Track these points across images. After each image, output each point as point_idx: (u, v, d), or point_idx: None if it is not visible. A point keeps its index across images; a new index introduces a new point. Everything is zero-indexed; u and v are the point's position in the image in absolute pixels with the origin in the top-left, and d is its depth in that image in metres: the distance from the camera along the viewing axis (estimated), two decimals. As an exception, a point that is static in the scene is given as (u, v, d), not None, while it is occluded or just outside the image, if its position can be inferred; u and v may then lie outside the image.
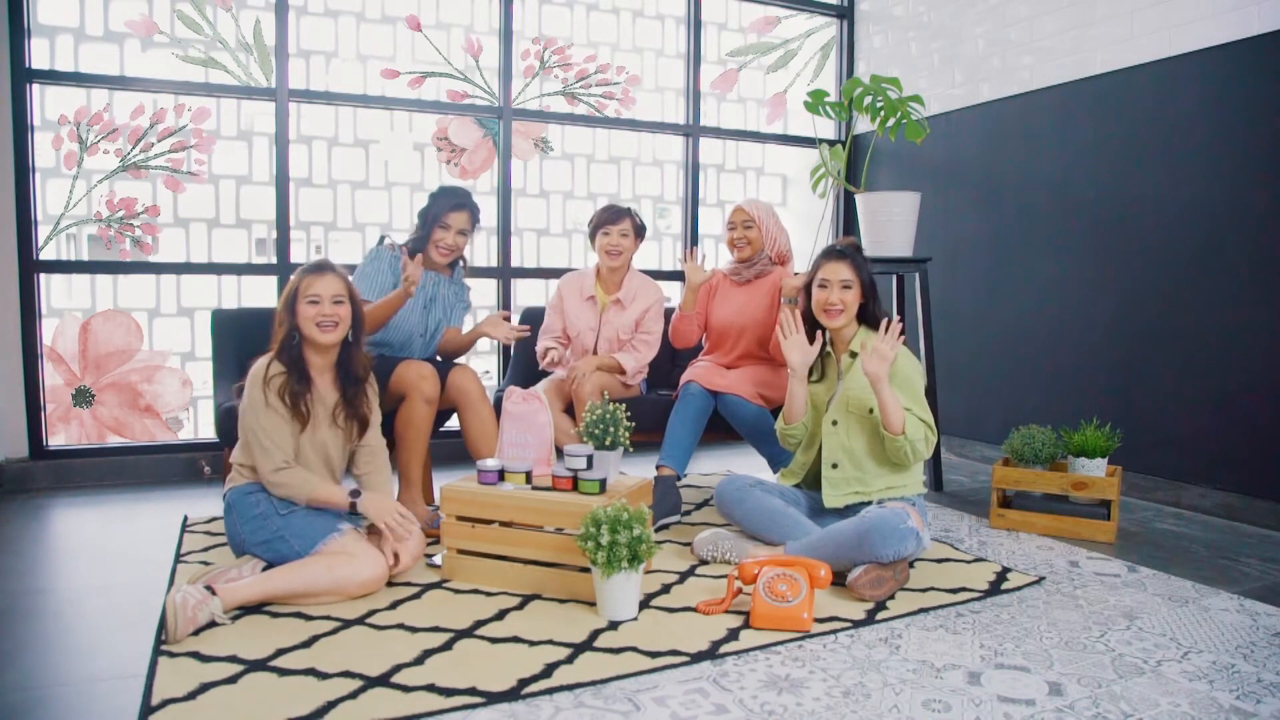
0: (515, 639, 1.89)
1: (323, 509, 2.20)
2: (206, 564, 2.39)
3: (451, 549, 2.27)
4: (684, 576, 2.31)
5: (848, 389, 2.41)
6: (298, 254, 3.69)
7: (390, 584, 2.20)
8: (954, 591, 2.21)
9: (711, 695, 1.64)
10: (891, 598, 2.16)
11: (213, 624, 1.92)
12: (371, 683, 1.66)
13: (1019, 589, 2.25)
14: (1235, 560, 2.55)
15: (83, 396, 3.47)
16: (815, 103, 3.54)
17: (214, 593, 1.94)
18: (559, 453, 2.41)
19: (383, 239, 2.86)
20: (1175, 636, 1.95)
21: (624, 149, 4.37)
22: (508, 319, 2.92)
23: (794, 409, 2.50)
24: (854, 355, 2.44)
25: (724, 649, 1.84)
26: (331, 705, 1.57)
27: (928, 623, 2.02)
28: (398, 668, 1.73)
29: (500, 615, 2.03)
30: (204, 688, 1.64)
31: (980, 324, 4.00)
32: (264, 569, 2.14)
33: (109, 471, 3.42)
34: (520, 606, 2.09)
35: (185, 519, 2.85)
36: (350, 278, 2.31)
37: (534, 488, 2.24)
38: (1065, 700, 1.63)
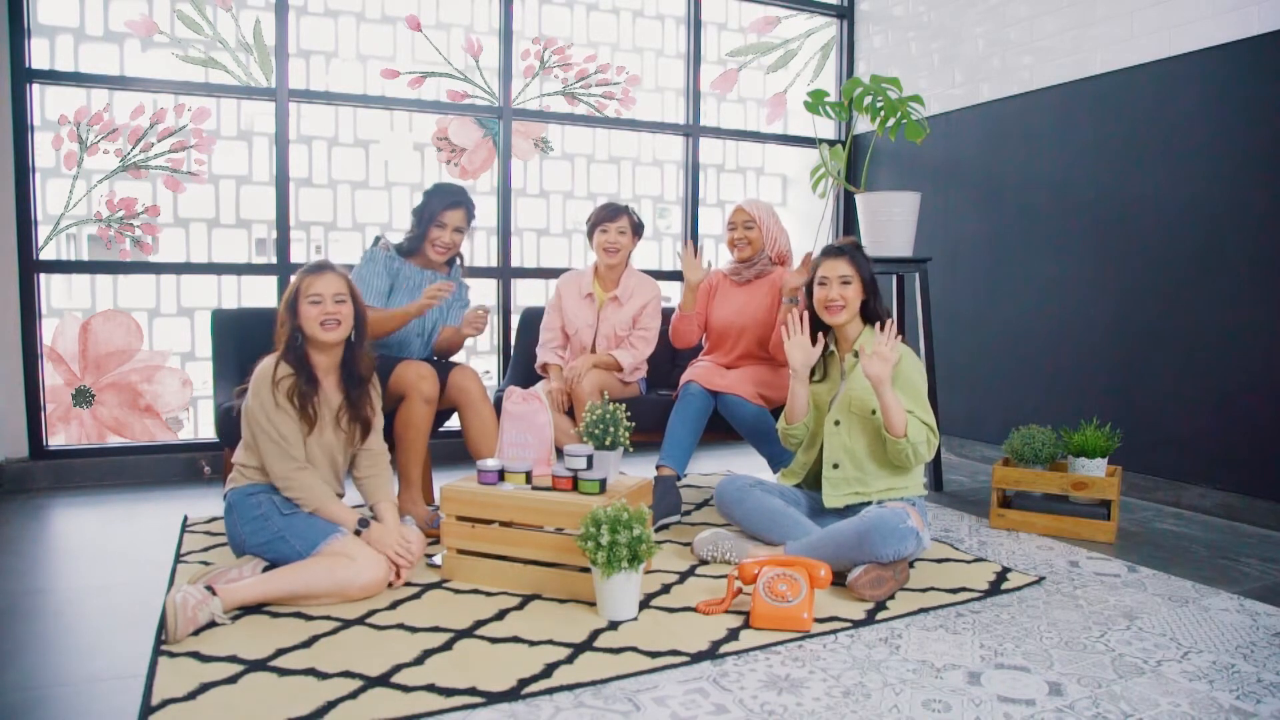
0: (515, 639, 1.89)
1: (325, 510, 2.20)
2: (206, 564, 2.39)
3: (451, 549, 2.27)
4: (684, 576, 2.31)
5: (851, 389, 2.41)
6: (298, 254, 3.69)
7: (390, 585, 2.20)
8: (954, 591, 2.21)
9: (711, 695, 1.64)
10: (891, 598, 2.16)
11: (213, 624, 1.92)
12: (371, 683, 1.66)
13: (1019, 589, 2.25)
14: (1235, 560, 2.55)
15: (83, 396, 3.47)
16: (815, 103, 3.54)
17: (214, 593, 1.94)
18: (559, 453, 2.41)
19: (378, 240, 2.85)
20: (1175, 636, 1.95)
21: (624, 149, 4.37)
22: (482, 314, 2.74)
23: (796, 409, 2.50)
24: (858, 355, 2.44)
25: (724, 649, 1.84)
26: (331, 705, 1.57)
27: (928, 623, 2.02)
28: (398, 668, 1.73)
29: (500, 615, 2.03)
30: (204, 688, 1.64)
31: (980, 324, 4.00)
32: (264, 569, 2.14)
33: (109, 471, 3.42)
34: (520, 606, 2.09)
35: (185, 519, 2.85)
36: (350, 277, 2.31)
37: (534, 488, 2.24)
38: (1065, 700, 1.63)
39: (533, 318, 3.49)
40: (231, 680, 1.67)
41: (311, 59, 3.71)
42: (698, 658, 1.79)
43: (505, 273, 4.05)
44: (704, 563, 2.43)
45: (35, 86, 3.30)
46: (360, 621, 1.97)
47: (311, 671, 1.71)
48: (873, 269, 2.48)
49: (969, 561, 2.47)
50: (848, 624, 1.99)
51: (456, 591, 2.19)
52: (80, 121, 3.38)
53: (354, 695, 1.61)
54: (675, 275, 4.46)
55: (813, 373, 2.52)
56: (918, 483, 2.44)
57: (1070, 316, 3.57)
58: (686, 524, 2.83)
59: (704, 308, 3.14)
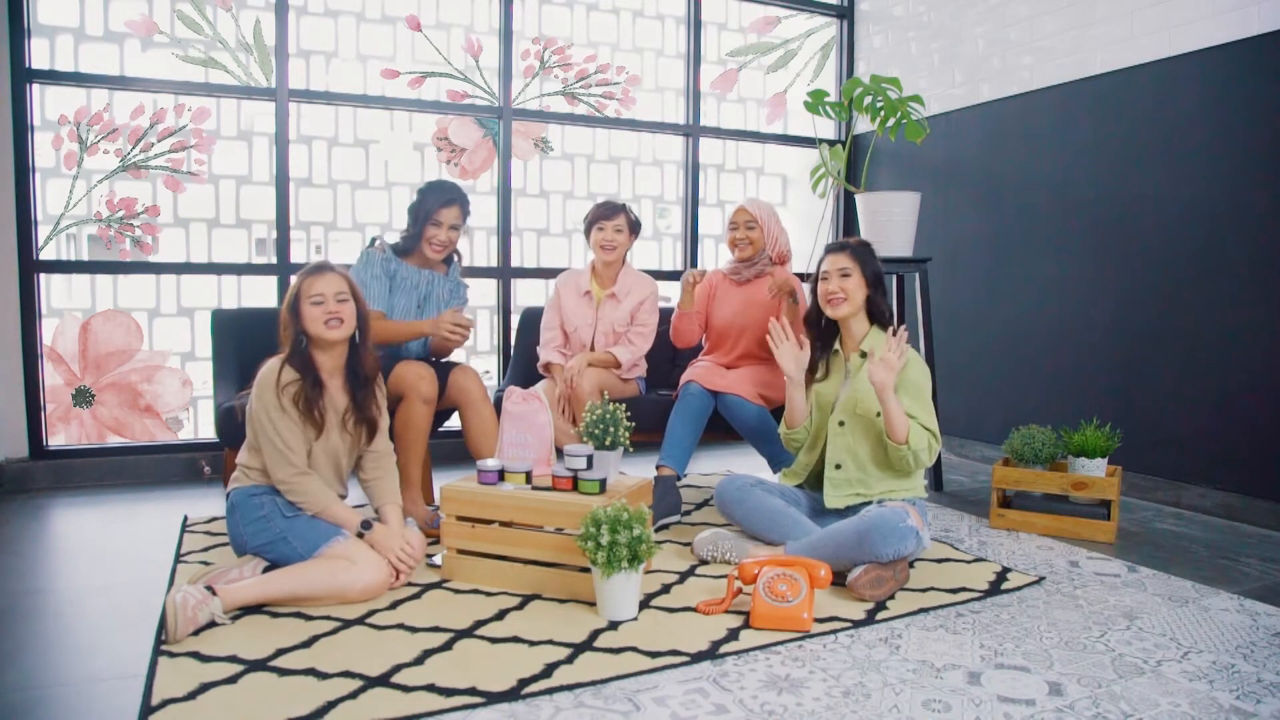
0: (515, 639, 1.89)
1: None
2: (206, 564, 2.39)
3: (451, 549, 2.27)
4: (684, 576, 2.31)
5: (856, 390, 2.40)
6: (298, 254, 3.69)
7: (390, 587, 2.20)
8: (954, 591, 2.21)
9: (711, 695, 1.64)
10: (891, 598, 2.16)
11: (213, 624, 1.92)
12: (371, 683, 1.66)
13: (1019, 589, 2.25)
14: (1235, 560, 2.55)
15: (83, 396, 3.47)
16: (815, 103, 3.54)
17: (214, 593, 1.94)
18: (559, 453, 2.41)
19: (373, 241, 2.85)
20: (1175, 636, 1.95)
21: (624, 149, 4.37)
22: (462, 325, 2.68)
23: (795, 414, 2.50)
24: (863, 355, 2.44)
25: (724, 649, 1.84)
26: (331, 705, 1.57)
27: (928, 623, 2.02)
28: (398, 668, 1.73)
29: (500, 615, 2.03)
30: (204, 688, 1.64)
31: (980, 324, 4.00)
32: (265, 569, 2.14)
33: (109, 471, 3.42)
34: (520, 606, 2.09)
35: (185, 519, 2.85)
36: (350, 276, 2.31)
37: (534, 488, 2.24)
38: (1065, 700, 1.63)
39: (533, 318, 3.49)
40: (231, 680, 1.67)
41: (311, 59, 3.71)
42: (698, 658, 1.79)
43: (505, 273, 4.05)
44: (704, 563, 2.43)
45: (35, 86, 3.30)
46: (360, 621, 1.97)
47: (311, 671, 1.71)
48: (879, 267, 2.48)
49: (969, 561, 2.47)
50: (848, 624, 1.99)
51: (456, 591, 2.19)
52: (80, 121, 3.38)
53: (354, 695, 1.61)
54: (675, 275, 4.47)
55: (815, 371, 2.52)
56: (918, 483, 2.44)
57: (1070, 316, 3.57)
58: (686, 524, 2.83)
59: (704, 307, 3.14)
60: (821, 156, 3.68)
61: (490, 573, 2.22)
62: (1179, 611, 2.10)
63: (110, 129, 3.43)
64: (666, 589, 2.21)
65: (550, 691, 1.64)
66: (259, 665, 1.73)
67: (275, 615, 1.99)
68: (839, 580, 2.16)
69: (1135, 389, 3.32)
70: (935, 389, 2.66)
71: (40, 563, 2.48)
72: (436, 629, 1.93)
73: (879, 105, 3.38)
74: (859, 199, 3.44)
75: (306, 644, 1.84)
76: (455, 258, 2.96)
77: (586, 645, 1.85)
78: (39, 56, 3.30)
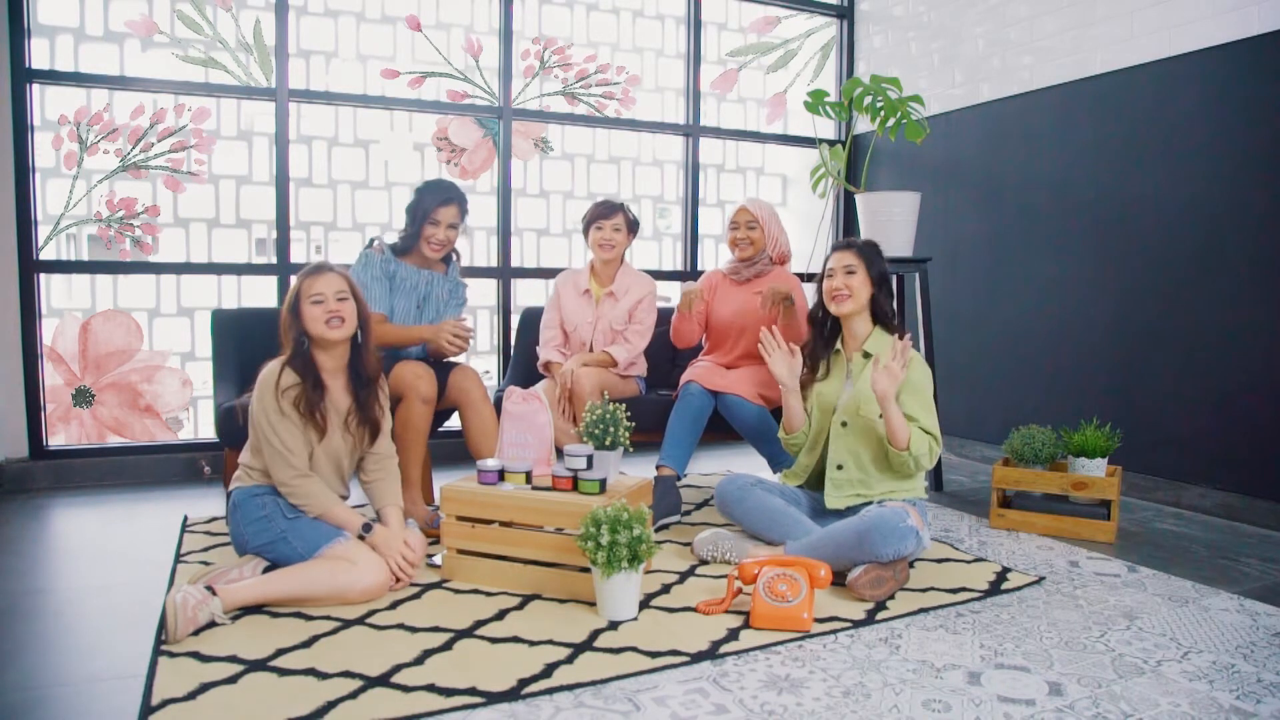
0: (515, 639, 1.89)
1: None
2: (206, 564, 2.39)
3: (451, 549, 2.27)
4: (684, 576, 2.31)
5: (860, 391, 2.40)
6: (298, 254, 3.69)
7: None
8: (954, 591, 2.21)
9: (711, 695, 1.64)
10: (891, 598, 2.16)
11: (213, 624, 1.92)
12: (371, 683, 1.66)
13: (1019, 589, 2.25)
14: (1235, 560, 2.55)
15: (83, 396, 3.47)
16: (815, 103, 3.54)
17: (214, 593, 1.94)
18: (559, 453, 2.41)
19: (371, 241, 2.85)
20: (1175, 636, 1.95)
21: (624, 149, 4.37)
22: (461, 335, 2.68)
23: (793, 420, 2.51)
24: (867, 356, 2.44)
25: (724, 649, 1.84)
26: (331, 705, 1.57)
27: (928, 623, 2.02)
28: (398, 668, 1.73)
29: (500, 615, 2.03)
30: (204, 688, 1.64)
31: (980, 324, 4.00)
32: (265, 570, 2.14)
33: (109, 471, 3.42)
34: (520, 606, 2.09)
35: (185, 519, 2.85)
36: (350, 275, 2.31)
37: (534, 488, 2.24)
38: (1065, 700, 1.63)
39: (533, 318, 3.49)
40: (231, 680, 1.67)
41: (311, 59, 3.71)
42: (698, 658, 1.79)
43: (505, 273, 4.05)
44: (704, 563, 2.43)
45: (35, 86, 3.30)
46: (360, 621, 1.97)
47: (311, 671, 1.71)
48: (886, 268, 2.48)
49: (969, 561, 2.47)
50: (848, 624, 1.99)
51: (456, 591, 2.19)
52: (80, 121, 3.38)
53: (354, 695, 1.61)
54: (674, 275, 4.47)
55: (815, 370, 2.52)
56: (919, 484, 2.44)
57: (1070, 316, 3.57)
58: (686, 524, 2.83)
59: (704, 309, 3.14)
60: (821, 156, 3.68)
61: (490, 573, 2.22)
62: (1179, 611, 2.10)
63: (110, 129, 3.43)
64: (666, 589, 2.21)
65: (550, 691, 1.64)
66: (259, 665, 1.73)
67: (275, 615, 1.99)
68: (839, 580, 2.16)
69: (1135, 389, 3.32)
70: (935, 389, 2.67)
71: (40, 563, 2.48)
72: (436, 629, 1.93)
73: (879, 105, 3.38)
74: (859, 199, 3.44)
75: (306, 644, 1.84)
76: (454, 257, 2.96)
77: (586, 645, 1.85)
78: (39, 56, 3.30)
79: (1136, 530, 2.87)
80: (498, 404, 2.65)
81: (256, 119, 3.65)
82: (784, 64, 4.71)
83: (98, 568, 2.41)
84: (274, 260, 3.67)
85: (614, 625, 1.97)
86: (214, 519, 2.84)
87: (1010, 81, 3.84)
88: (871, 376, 2.26)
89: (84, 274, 3.49)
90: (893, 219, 3.32)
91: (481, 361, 4.14)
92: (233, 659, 1.75)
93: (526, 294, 4.18)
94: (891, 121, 3.41)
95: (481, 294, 4.04)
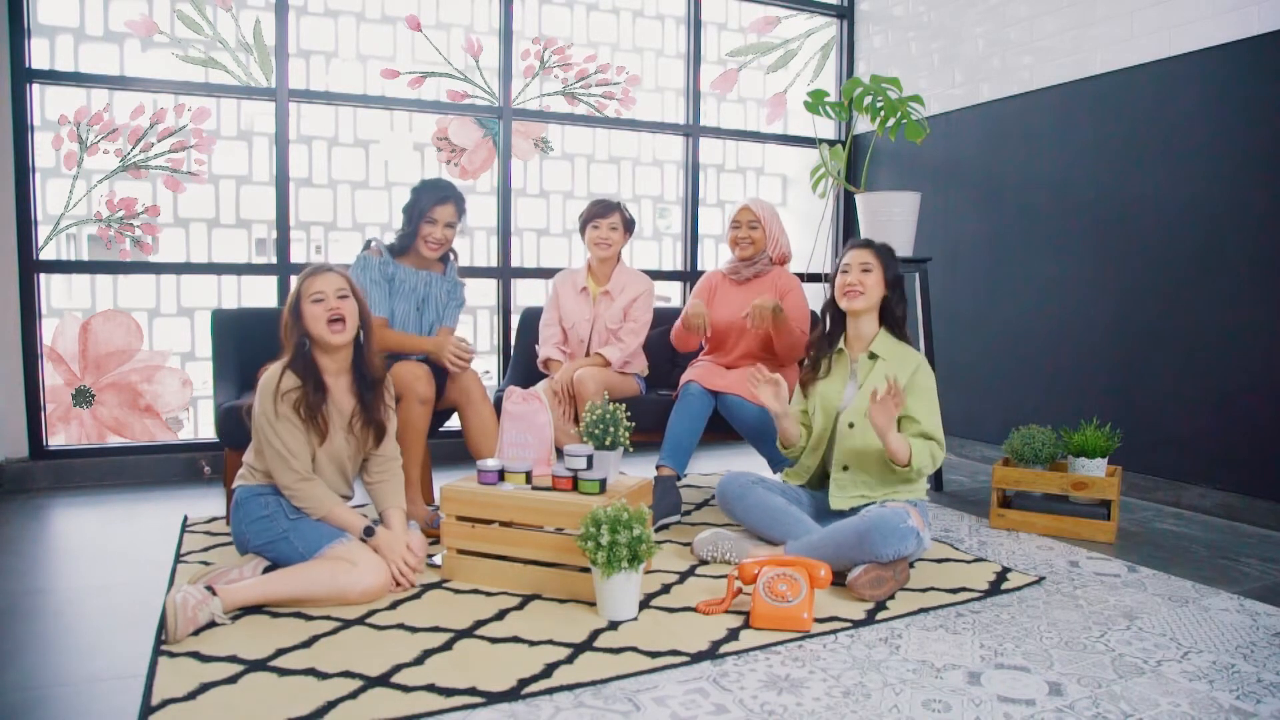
0: (515, 639, 1.89)
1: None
2: (206, 564, 2.39)
3: (451, 549, 2.27)
4: (684, 576, 2.31)
5: (868, 393, 2.39)
6: (298, 254, 3.69)
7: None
8: (954, 591, 2.21)
9: (711, 695, 1.64)
10: (891, 598, 2.16)
11: (213, 624, 1.92)
12: (371, 683, 1.66)
13: (1019, 589, 2.25)
14: (1235, 560, 2.55)
15: (83, 396, 3.47)
16: (815, 103, 3.54)
17: (214, 593, 1.94)
18: (559, 453, 2.41)
19: (369, 244, 2.84)
20: (1175, 636, 1.95)
21: (624, 149, 4.37)
22: (464, 352, 2.70)
23: (789, 437, 2.52)
24: (873, 357, 2.44)
25: (724, 649, 1.84)
26: (331, 705, 1.57)
27: (928, 623, 2.02)
28: (398, 668, 1.73)
29: (500, 615, 2.03)
30: (204, 688, 1.64)
31: (980, 324, 4.00)
32: (265, 570, 2.14)
33: (109, 471, 3.42)
34: (520, 606, 2.09)
35: (185, 519, 2.85)
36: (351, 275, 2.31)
37: (534, 488, 2.24)
38: (1065, 700, 1.63)
39: (533, 318, 3.49)
40: (231, 680, 1.67)
41: (311, 59, 3.71)
42: (698, 658, 1.79)
43: (505, 273, 4.05)
44: (704, 563, 2.43)
45: (35, 86, 3.30)
46: (360, 621, 1.97)
47: (311, 671, 1.71)
48: (900, 272, 2.49)
49: (969, 561, 2.47)
50: (848, 624, 1.99)
51: (456, 591, 2.19)
52: (80, 121, 3.38)
53: (354, 695, 1.61)
54: (674, 275, 4.47)
55: (817, 370, 2.52)
56: (920, 485, 2.44)
57: (1070, 316, 3.57)
58: (686, 524, 2.83)
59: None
60: (821, 156, 3.68)
61: (490, 573, 2.22)
62: (1179, 611, 2.10)
63: (110, 129, 3.43)
64: (666, 589, 2.21)
65: (550, 691, 1.64)
66: (259, 665, 1.73)
67: (275, 615, 1.99)
68: (839, 580, 2.16)
69: (1135, 389, 3.32)
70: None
71: (40, 563, 2.48)
72: (436, 629, 1.93)
73: (879, 105, 3.38)
74: (859, 199, 3.44)
75: (306, 644, 1.84)
76: (451, 256, 2.95)
77: (586, 645, 1.85)
78: (39, 56, 3.30)
79: (1136, 530, 2.87)
80: (498, 404, 2.65)
81: (256, 119, 3.65)
82: (784, 64, 4.71)
83: (98, 568, 2.41)
84: (274, 260, 3.67)
85: (614, 625, 1.97)
86: (214, 519, 2.84)
87: (1010, 81, 3.84)
88: (869, 411, 2.25)
89: (84, 274, 3.49)
90: (893, 219, 3.32)
91: (481, 361, 4.14)
92: (233, 659, 1.75)
93: (526, 294, 4.19)
94: (891, 121, 3.40)
95: (481, 294, 4.04)
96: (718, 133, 4.51)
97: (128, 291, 3.54)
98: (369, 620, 1.98)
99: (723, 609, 2.04)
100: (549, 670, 1.72)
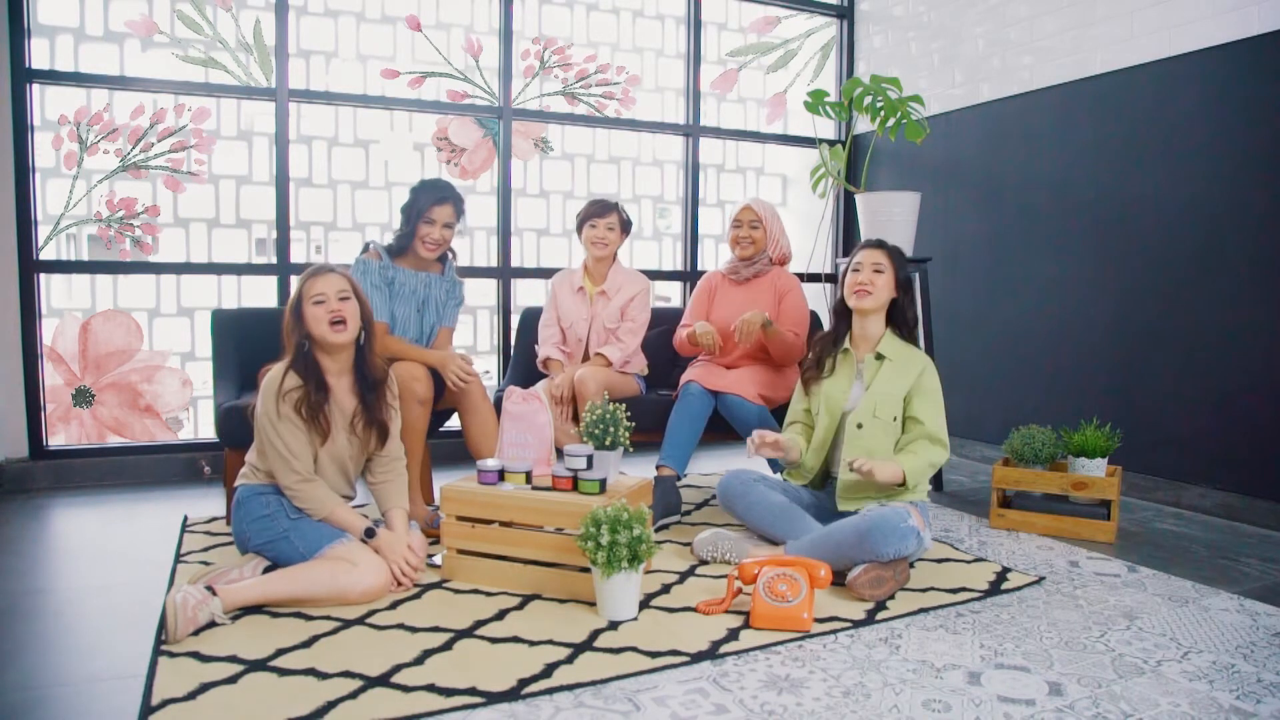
0: (515, 639, 1.89)
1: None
2: (206, 564, 2.39)
3: (451, 549, 2.27)
4: (684, 576, 2.31)
5: (876, 393, 2.40)
6: (298, 254, 3.68)
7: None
8: (954, 591, 2.21)
9: (711, 695, 1.64)
10: (891, 598, 2.16)
11: (213, 624, 1.92)
12: (371, 683, 1.66)
13: (1019, 589, 2.25)
14: (1235, 560, 2.55)
15: (83, 396, 3.47)
16: (815, 103, 3.54)
17: (214, 593, 1.94)
18: (559, 453, 2.41)
19: (367, 247, 2.84)
20: (1175, 636, 1.95)
21: (624, 149, 4.36)
22: (467, 374, 2.70)
23: (791, 460, 2.53)
24: (879, 358, 2.43)
25: (724, 649, 1.84)
26: (331, 705, 1.57)
27: (928, 623, 2.02)
28: (398, 668, 1.73)
29: (500, 615, 2.03)
30: (204, 688, 1.64)
31: (980, 324, 4.00)
32: (266, 569, 2.14)
33: (109, 471, 3.42)
34: (520, 606, 2.09)
35: (185, 519, 2.85)
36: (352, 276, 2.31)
37: (534, 488, 2.24)
38: (1065, 700, 1.63)
39: (532, 318, 3.49)
40: (231, 680, 1.67)
41: (311, 59, 3.71)
42: (698, 658, 1.79)
43: (505, 273, 4.05)
44: (704, 563, 2.43)
45: (35, 86, 3.30)
46: (360, 621, 1.97)
47: (311, 671, 1.71)
48: (910, 274, 2.49)
49: (969, 561, 2.47)
50: (848, 624, 1.99)
51: (456, 591, 2.19)
52: (80, 121, 3.38)
53: (354, 695, 1.61)
54: (674, 275, 4.47)
55: (822, 369, 2.52)
56: (923, 486, 2.44)
57: (1070, 316, 3.57)
58: (686, 524, 2.83)
59: (705, 311, 3.15)
60: (821, 156, 3.68)
61: (490, 573, 2.22)
62: (1179, 611, 2.10)
63: (110, 129, 3.43)
64: (666, 589, 2.21)
65: (550, 691, 1.64)
66: (259, 665, 1.73)
67: (275, 615, 1.99)
68: (839, 580, 2.16)
69: (1135, 389, 3.32)
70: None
71: (40, 563, 2.48)
72: (436, 629, 1.93)
73: (879, 105, 3.38)
74: (859, 199, 3.44)
75: (306, 644, 1.84)
76: (450, 256, 2.94)
77: (586, 645, 1.85)
78: (39, 56, 3.30)
79: (1136, 530, 2.87)
80: (498, 404, 2.65)
81: (256, 119, 3.65)
82: (784, 64, 4.71)
83: (98, 568, 2.41)
84: (274, 260, 3.67)
85: (614, 625, 1.97)
86: (214, 519, 2.84)
87: (1010, 81, 3.84)
88: (853, 465, 2.26)
89: (84, 274, 3.49)
90: (893, 219, 3.32)
91: (481, 361, 4.14)
92: (233, 659, 1.75)
93: (526, 294, 4.18)
94: (891, 121, 3.41)
95: (481, 294, 4.04)
96: (718, 133, 4.51)
97: (128, 291, 3.54)
98: (369, 620, 1.98)
99: (723, 609, 2.04)
100: (549, 670, 1.72)
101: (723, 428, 2.93)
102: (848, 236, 4.72)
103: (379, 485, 2.33)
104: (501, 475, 2.26)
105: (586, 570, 2.09)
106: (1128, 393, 3.34)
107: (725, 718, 1.55)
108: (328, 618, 1.98)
